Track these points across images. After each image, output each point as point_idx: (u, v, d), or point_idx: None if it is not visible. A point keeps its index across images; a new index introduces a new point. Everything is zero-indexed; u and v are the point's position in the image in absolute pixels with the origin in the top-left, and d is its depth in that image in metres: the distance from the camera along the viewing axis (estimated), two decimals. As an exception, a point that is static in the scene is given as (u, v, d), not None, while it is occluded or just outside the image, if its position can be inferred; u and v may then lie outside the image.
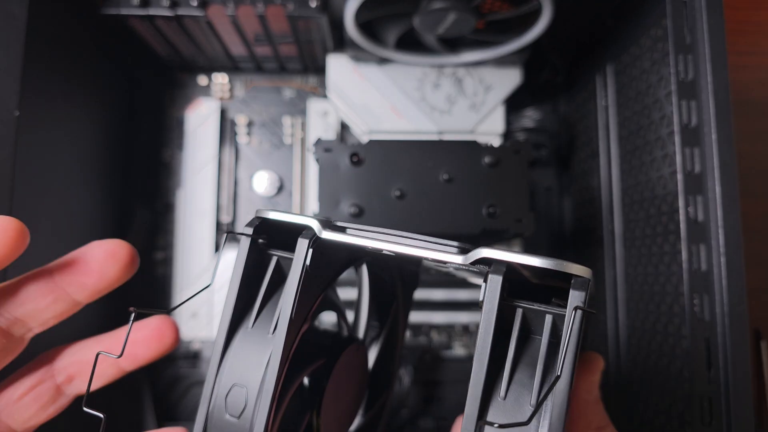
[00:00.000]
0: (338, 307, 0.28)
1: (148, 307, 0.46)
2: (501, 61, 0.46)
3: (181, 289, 0.47)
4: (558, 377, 0.18)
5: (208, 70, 0.50)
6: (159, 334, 0.26)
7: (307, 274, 0.21)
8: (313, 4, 0.38)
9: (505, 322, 0.20)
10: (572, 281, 0.19)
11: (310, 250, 0.21)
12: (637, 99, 0.39)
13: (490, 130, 0.47)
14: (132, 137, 0.49)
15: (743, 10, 0.54)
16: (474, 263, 0.20)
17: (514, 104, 0.49)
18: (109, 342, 0.26)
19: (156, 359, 0.27)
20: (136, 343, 0.26)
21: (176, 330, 0.27)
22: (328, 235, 0.21)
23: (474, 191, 0.38)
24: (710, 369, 0.29)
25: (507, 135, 0.48)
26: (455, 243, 0.21)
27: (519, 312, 0.20)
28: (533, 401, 0.19)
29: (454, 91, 0.47)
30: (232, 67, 0.50)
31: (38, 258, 0.35)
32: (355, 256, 0.27)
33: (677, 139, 0.33)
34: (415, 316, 0.47)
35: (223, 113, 0.50)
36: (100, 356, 0.24)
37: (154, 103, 0.50)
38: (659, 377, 0.35)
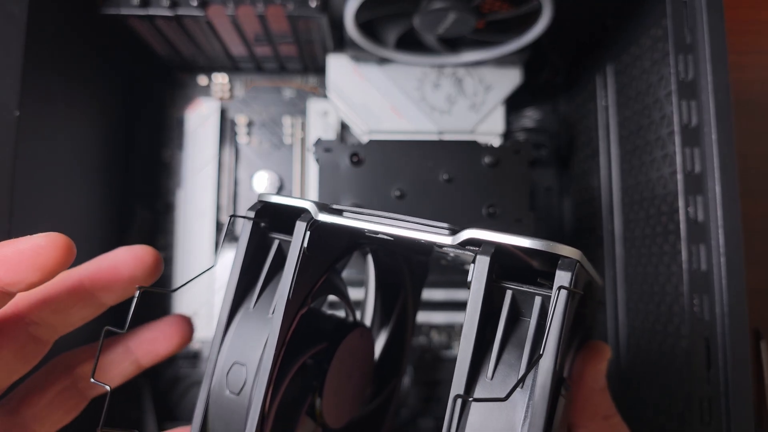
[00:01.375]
0: (343, 293, 0.28)
1: (147, 310, 0.46)
2: (501, 61, 0.46)
3: (180, 289, 0.47)
4: (540, 355, 0.18)
5: (208, 70, 0.50)
6: (177, 330, 0.28)
7: (305, 256, 0.22)
8: (313, 4, 0.38)
9: (494, 304, 0.20)
10: (559, 261, 0.19)
11: (308, 233, 0.22)
12: (637, 99, 0.39)
13: (490, 130, 0.47)
14: (132, 137, 0.49)
15: (743, 10, 0.53)
16: (463, 244, 0.20)
17: (514, 104, 0.49)
18: (126, 340, 0.27)
19: (173, 354, 0.28)
20: (156, 339, 0.27)
21: (191, 325, 0.28)
22: (324, 217, 0.22)
23: (474, 191, 0.38)
24: (710, 369, 0.29)
25: (507, 135, 0.48)
26: (446, 225, 0.21)
27: (508, 294, 0.20)
28: (539, 386, 0.19)
29: (454, 91, 0.47)
30: (232, 67, 0.50)
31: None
32: (356, 241, 0.28)
33: (677, 139, 0.33)
34: (415, 316, 0.47)
35: (223, 113, 0.50)
36: (120, 356, 0.26)
37: (154, 103, 0.50)
38: (659, 377, 0.35)
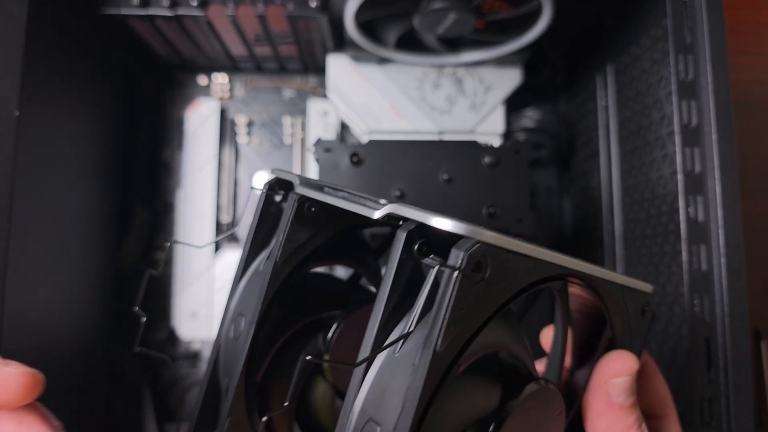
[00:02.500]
0: (361, 264, 0.29)
1: (148, 310, 0.46)
2: (501, 61, 0.46)
3: (180, 289, 0.47)
4: (409, 333, 0.18)
5: (208, 70, 0.50)
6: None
7: (301, 222, 0.25)
8: (313, 4, 0.38)
9: (414, 280, 0.20)
10: (460, 240, 0.18)
11: (296, 204, 0.24)
12: (637, 99, 0.39)
13: (490, 130, 0.47)
14: (132, 137, 0.49)
15: (743, 10, 0.54)
16: (385, 218, 0.20)
17: (514, 104, 0.49)
18: None
19: None
20: None
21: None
22: (301, 190, 0.25)
23: (474, 191, 0.38)
24: (710, 369, 0.29)
25: (507, 135, 0.48)
26: (384, 201, 0.21)
27: (432, 271, 0.20)
28: (416, 358, 0.18)
29: (454, 91, 0.47)
30: (232, 67, 0.50)
31: (39, 257, 0.35)
32: (358, 219, 0.29)
33: (677, 139, 0.33)
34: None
35: (223, 113, 0.50)
36: None
37: (154, 103, 0.50)
38: (659, 377, 0.35)
